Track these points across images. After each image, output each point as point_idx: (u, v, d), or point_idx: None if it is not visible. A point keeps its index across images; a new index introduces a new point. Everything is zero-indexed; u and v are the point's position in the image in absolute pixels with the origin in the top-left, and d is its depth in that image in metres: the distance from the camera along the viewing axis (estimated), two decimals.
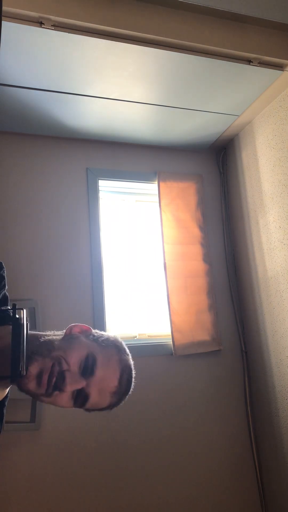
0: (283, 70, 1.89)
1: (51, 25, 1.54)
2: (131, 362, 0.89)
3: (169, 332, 2.21)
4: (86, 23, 1.56)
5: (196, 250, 2.38)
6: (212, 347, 2.27)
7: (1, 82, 1.81)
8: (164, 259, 2.30)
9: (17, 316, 0.76)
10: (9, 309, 0.88)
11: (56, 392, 0.78)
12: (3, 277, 0.92)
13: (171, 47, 1.70)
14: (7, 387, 0.86)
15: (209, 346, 2.26)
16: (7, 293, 0.94)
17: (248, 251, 2.34)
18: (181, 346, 2.19)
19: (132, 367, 0.88)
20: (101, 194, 2.39)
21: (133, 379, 0.88)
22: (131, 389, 0.88)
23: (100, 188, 2.37)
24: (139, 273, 2.39)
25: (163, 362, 2.19)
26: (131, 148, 2.46)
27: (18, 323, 0.75)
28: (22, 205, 2.16)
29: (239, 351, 2.35)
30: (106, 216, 2.40)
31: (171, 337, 2.19)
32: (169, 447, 2.08)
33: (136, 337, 2.26)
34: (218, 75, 1.86)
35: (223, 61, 1.78)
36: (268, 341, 2.15)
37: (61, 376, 0.78)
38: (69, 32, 1.56)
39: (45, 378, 0.77)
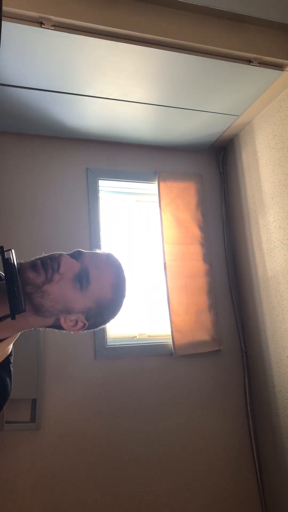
0: (283, 70, 1.89)
1: (51, 25, 1.54)
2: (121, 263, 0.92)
3: (169, 332, 2.21)
4: (86, 23, 1.56)
5: (196, 250, 2.38)
6: (212, 347, 2.27)
7: (1, 82, 1.81)
8: (164, 259, 2.30)
9: (6, 257, 0.77)
10: None
11: (57, 276, 0.80)
12: None
13: (171, 47, 1.70)
14: (10, 342, 0.85)
15: (209, 346, 2.26)
16: None
17: (248, 251, 2.34)
18: (181, 346, 2.19)
19: (123, 267, 0.91)
20: (101, 194, 2.39)
21: (125, 275, 0.91)
22: (122, 265, 0.90)
23: (100, 188, 2.37)
24: (139, 273, 2.39)
25: (163, 362, 2.19)
26: (131, 148, 2.46)
27: (9, 263, 0.76)
28: (22, 205, 2.16)
29: (239, 351, 2.35)
30: (106, 216, 2.40)
31: (171, 337, 2.19)
32: (169, 447, 2.08)
33: (136, 337, 2.26)
34: (218, 75, 1.86)
35: (223, 61, 1.78)
36: (268, 341, 2.15)
37: (54, 258, 0.81)
38: (69, 32, 1.56)
39: (38, 263, 0.80)
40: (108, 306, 0.87)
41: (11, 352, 0.88)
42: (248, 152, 2.35)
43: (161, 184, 2.42)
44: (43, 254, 0.85)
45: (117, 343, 2.15)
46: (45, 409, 1.94)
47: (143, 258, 2.43)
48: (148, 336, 2.29)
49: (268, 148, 2.16)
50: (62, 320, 0.84)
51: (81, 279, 0.82)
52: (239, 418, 2.25)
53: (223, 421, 2.21)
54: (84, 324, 0.86)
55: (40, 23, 1.52)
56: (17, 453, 1.87)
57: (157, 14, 1.68)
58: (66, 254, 0.85)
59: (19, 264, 0.80)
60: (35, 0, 1.50)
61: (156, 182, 2.42)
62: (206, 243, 2.43)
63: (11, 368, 0.87)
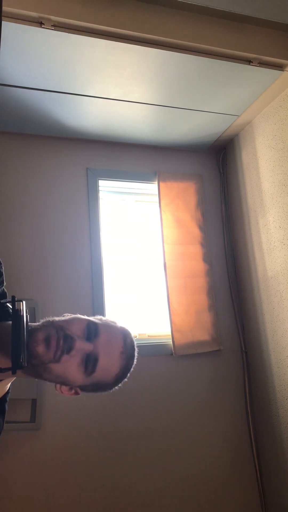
0: (283, 70, 1.89)
1: (51, 25, 1.54)
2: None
3: (169, 332, 2.21)
4: (86, 23, 1.56)
5: (196, 250, 2.38)
6: (212, 347, 2.27)
7: (1, 82, 1.81)
8: (164, 259, 2.30)
9: (16, 308, 0.77)
10: (8, 301, 0.89)
11: (65, 357, 0.78)
12: (1, 273, 0.92)
13: (171, 47, 1.70)
14: (8, 382, 0.86)
15: (209, 346, 2.26)
16: (5, 290, 0.94)
17: (248, 251, 2.34)
18: (181, 346, 2.19)
19: (130, 332, 0.91)
20: (101, 194, 2.39)
21: (134, 342, 0.89)
22: (135, 356, 0.89)
23: (100, 188, 2.37)
24: (139, 273, 2.39)
25: (163, 362, 2.19)
26: (131, 148, 2.46)
27: (17, 315, 0.76)
28: (22, 205, 2.16)
29: (239, 351, 2.35)
30: (106, 216, 2.40)
31: (171, 337, 2.19)
32: (169, 446, 2.08)
33: (136, 337, 2.26)
34: (218, 75, 1.86)
35: (223, 61, 1.78)
36: (268, 341, 2.15)
37: (69, 339, 0.79)
38: (69, 32, 1.56)
39: (53, 341, 0.78)
40: (104, 388, 0.87)
41: (8, 390, 0.89)
42: (248, 152, 2.35)
43: (161, 184, 2.42)
44: (61, 316, 0.85)
45: None
46: (45, 409, 1.94)
47: (143, 258, 2.43)
48: (148, 336, 2.29)
49: (268, 148, 2.16)
50: (57, 386, 0.85)
51: (87, 364, 0.81)
52: (239, 418, 2.25)
53: (223, 421, 2.21)
54: (77, 393, 0.87)
55: (40, 23, 1.52)
56: (17, 453, 1.87)
57: (157, 14, 1.68)
58: (87, 322, 0.83)
59: (32, 329, 0.79)
60: (35, 0, 1.50)
61: (156, 182, 2.43)
62: (206, 243, 2.43)
63: (6, 407, 0.89)
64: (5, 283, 0.96)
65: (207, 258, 2.40)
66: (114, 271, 2.34)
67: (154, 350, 2.20)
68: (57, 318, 0.85)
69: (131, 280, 2.37)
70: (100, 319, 0.88)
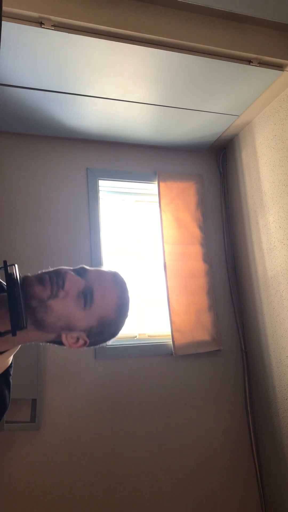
0: (283, 70, 1.89)
1: (51, 25, 1.54)
2: (126, 283, 0.93)
3: (169, 332, 2.21)
4: (86, 23, 1.56)
5: (196, 250, 2.38)
6: (212, 347, 2.27)
7: (1, 82, 1.81)
8: (164, 259, 2.30)
9: (9, 272, 0.77)
10: (0, 267, 0.89)
11: (62, 292, 0.80)
12: None
13: (171, 47, 1.70)
14: (10, 354, 0.86)
15: (209, 346, 2.26)
16: None
17: (248, 251, 2.34)
18: (181, 346, 2.19)
19: (127, 287, 0.93)
20: (101, 194, 2.39)
21: (129, 294, 0.92)
22: (127, 289, 0.92)
23: (100, 188, 2.37)
24: (139, 273, 2.39)
25: (163, 362, 2.19)
26: (131, 148, 2.46)
27: (11, 278, 0.76)
28: (22, 205, 2.16)
29: (239, 351, 2.35)
30: (106, 216, 2.40)
31: (171, 337, 2.19)
32: (169, 446, 2.08)
33: (136, 337, 2.26)
34: (218, 75, 1.86)
35: (223, 61, 1.78)
36: (268, 341, 2.15)
37: (60, 274, 0.82)
38: (69, 32, 1.56)
39: (46, 279, 0.80)
40: (110, 326, 0.88)
41: (11, 364, 0.89)
42: (248, 152, 2.35)
43: (161, 184, 2.42)
44: (49, 268, 0.86)
45: (117, 343, 2.15)
46: (45, 409, 1.94)
47: (143, 258, 2.43)
48: (148, 336, 2.29)
49: (268, 148, 2.16)
50: (63, 336, 0.84)
51: (85, 297, 0.83)
52: (239, 418, 2.25)
53: (223, 421, 2.21)
54: (85, 342, 0.87)
55: (40, 23, 1.52)
56: (17, 453, 1.87)
57: (157, 14, 1.68)
58: (71, 269, 0.85)
59: (25, 277, 0.80)
60: (35, 0, 1.50)
61: (156, 182, 2.43)
62: (206, 243, 2.43)
63: (11, 380, 0.88)
64: None
65: (207, 258, 2.40)
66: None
67: (154, 350, 2.20)
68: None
69: (131, 280, 2.37)
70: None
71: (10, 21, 1.48)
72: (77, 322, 0.83)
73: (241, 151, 2.43)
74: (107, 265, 2.28)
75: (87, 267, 0.88)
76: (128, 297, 0.91)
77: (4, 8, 1.45)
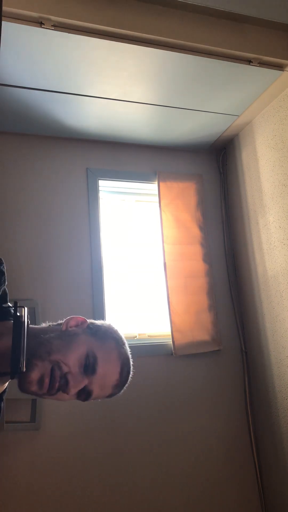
0: (283, 70, 1.89)
1: (51, 25, 1.54)
2: (129, 352, 0.90)
3: (169, 332, 2.21)
4: (86, 23, 1.56)
5: (196, 250, 2.38)
6: (212, 347, 2.27)
7: (1, 82, 1.81)
8: (164, 259, 2.30)
9: (18, 314, 0.77)
10: (10, 307, 0.89)
11: (60, 392, 0.80)
12: (3, 273, 0.92)
13: (171, 47, 1.70)
14: (6, 381, 0.87)
15: (209, 346, 2.26)
16: (6, 289, 0.95)
17: (248, 251, 2.34)
18: (181, 346, 2.19)
19: (130, 357, 0.89)
20: (101, 194, 2.39)
21: (131, 368, 0.89)
22: (130, 378, 0.89)
23: (100, 188, 2.37)
24: (139, 273, 2.39)
25: (163, 362, 2.19)
26: (131, 148, 2.46)
27: (19, 321, 0.76)
28: (22, 205, 2.16)
29: (239, 351, 2.35)
30: (106, 216, 2.40)
31: (171, 337, 2.19)
32: (169, 446, 2.08)
33: (136, 337, 2.26)
34: (218, 75, 1.86)
35: (223, 61, 1.78)
36: (268, 341, 2.15)
37: (64, 380, 0.79)
38: (69, 32, 1.56)
39: (46, 382, 0.77)
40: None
41: (5, 389, 0.89)
42: (248, 152, 2.35)
43: (161, 184, 2.42)
44: (63, 321, 0.87)
45: None
46: (45, 409, 1.94)
47: (143, 258, 2.43)
48: (148, 336, 2.29)
49: (268, 148, 2.16)
50: None
51: (81, 394, 0.83)
52: (239, 418, 2.25)
53: (223, 421, 2.21)
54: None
55: (40, 23, 1.52)
56: (17, 453, 1.87)
57: (157, 14, 1.68)
58: (83, 350, 0.83)
59: (29, 330, 0.80)
60: (35, 0, 1.50)
61: (156, 182, 2.42)
62: (206, 243, 2.43)
63: (3, 405, 0.89)
64: (6, 283, 0.95)
65: (207, 258, 2.40)
66: (114, 271, 2.34)
67: (154, 350, 2.20)
68: (55, 334, 0.84)
69: (131, 280, 2.37)
70: (103, 333, 0.88)
71: (10, 21, 1.48)
72: (68, 400, 0.85)
73: (241, 151, 2.43)
74: (106, 267, 2.28)
75: (100, 354, 0.83)
76: (125, 386, 0.89)
77: (4, 8, 1.45)
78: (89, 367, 0.81)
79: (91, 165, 2.35)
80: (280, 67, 1.88)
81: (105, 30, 1.60)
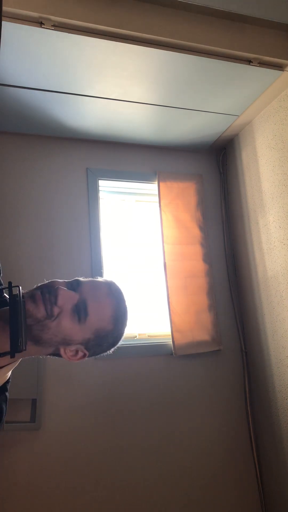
0: (283, 70, 1.89)
1: (51, 25, 1.54)
2: (121, 289, 0.91)
3: (169, 332, 2.21)
4: (86, 23, 1.56)
5: (196, 250, 2.38)
6: (212, 347, 2.27)
7: (1, 82, 1.81)
8: (164, 259, 2.30)
9: (13, 293, 0.77)
10: (5, 288, 0.89)
11: (56, 309, 0.80)
12: None
13: (171, 47, 1.70)
14: (9, 370, 0.86)
15: (209, 346, 2.26)
16: (1, 281, 0.96)
17: (248, 251, 2.34)
18: (181, 346, 2.19)
19: (123, 292, 0.91)
20: (101, 194, 2.39)
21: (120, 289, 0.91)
22: (124, 299, 0.90)
23: (100, 188, 2.37)
24: (139, 273, 2.39)
25: (163, 362, 2.19)
26: (131, 148, 2.46)
27: (15, 300, 0.76)
28: (22, 205, 2.16)
29: (239, 351, 2.35)
30: (106, 216, 2.40)
31: (171, 337, 2.19)
32: (169, 446, 2.08)
33: (136, 337, 2.26)
34: (218, 75, 1.86)
35: (223, 61, 1.78)
36: (268, 341, 2.15)
37: (52, 289, 0.81)
38: (69, 32, 1.56)
39: (38, 296, 0.79)
40: (107, 337, 0.87)
41: (8, 379, 0.89)
42: (248, 152, 2.35)
43: (161, 184, 2.42)
44: (44, 281, 0.85)
45: None
46: (45, 409, 1.94)
47: (143, 258, 2.43)
48: (148, 336, 2.29)
49: (268, 148, 2.16)
50: (62, 350, 0.85)
51: (79, 311, 0.82)
52: (239, 418, 2.25)
53: (223, 421, 2.21)
54: (84, 354, 0.87)
55: (40, 23, 1.52)
56: (17, 453, 1.87)
57: (157, 14, 1.68)
58: (65, 282, 0.85)
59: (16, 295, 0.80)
60: (35, 0, 1.50)
61: (156, 182, 2.43)
62: (206, 243, 2.43)
63: (7, 395, 0.88)
64: (1, 274, 0.98)
65: (207, 258, 2.40)
66: (114, 271, 2.34)
67: (154, 350, 2.20)
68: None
69: (131, 280, 2.37)
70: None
71: (10, 21, 1.48)
72: (74, 336, 0.83)
73: (241, 151, 2.43)
74: (106, 267, 2.28)
75: (82, 279, 0.87)
76: (124, 307, 0.89)
77: (4, 8, 1.45)
78: (73, 284, 0.84)
79: (91, 165, 2.35)
80: (280, 67, 1.88)
81: (105, 30, 1.60)
